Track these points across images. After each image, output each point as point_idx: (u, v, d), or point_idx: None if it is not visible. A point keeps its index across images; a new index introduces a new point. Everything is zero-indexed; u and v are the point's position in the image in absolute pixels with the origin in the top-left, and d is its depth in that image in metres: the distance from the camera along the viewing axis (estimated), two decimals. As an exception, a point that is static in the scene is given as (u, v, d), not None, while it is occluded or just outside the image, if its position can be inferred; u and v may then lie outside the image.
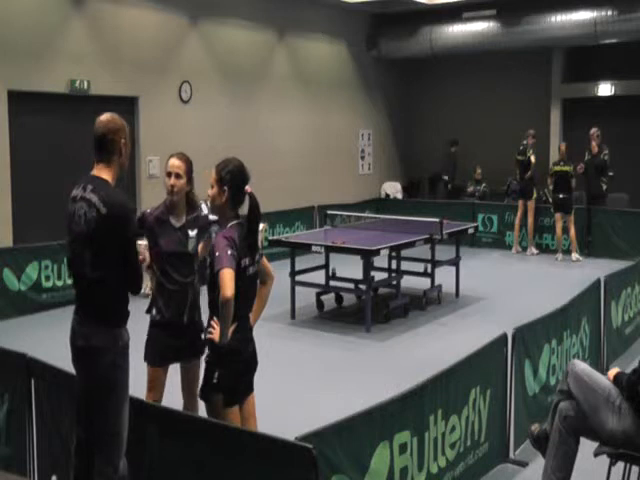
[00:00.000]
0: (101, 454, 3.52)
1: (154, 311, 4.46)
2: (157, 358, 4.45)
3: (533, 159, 12.72)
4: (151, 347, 4.45)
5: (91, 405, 3.51)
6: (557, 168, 12.39)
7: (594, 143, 12.65)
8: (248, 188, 3.99)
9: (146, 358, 4.47)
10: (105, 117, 3.67)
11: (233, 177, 3.94)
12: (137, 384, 4.44)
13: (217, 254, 3.79)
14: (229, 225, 3.95)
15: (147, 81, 11.89)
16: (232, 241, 3.83)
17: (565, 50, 15.82)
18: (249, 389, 4.11)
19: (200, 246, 4.58)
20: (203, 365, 4.00)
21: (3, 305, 8.72)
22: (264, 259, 4.18)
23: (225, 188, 3.93)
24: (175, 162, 4.47)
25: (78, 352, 3.55)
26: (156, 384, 4.46)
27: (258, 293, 4.14)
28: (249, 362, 4.06)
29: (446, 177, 15.53)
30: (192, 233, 4.50)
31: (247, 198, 4.00)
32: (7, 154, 10.14)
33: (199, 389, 4.00)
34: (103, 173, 3.57)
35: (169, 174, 4.44)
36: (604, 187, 12.79)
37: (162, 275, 4.41)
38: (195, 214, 4.56)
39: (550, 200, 13.48)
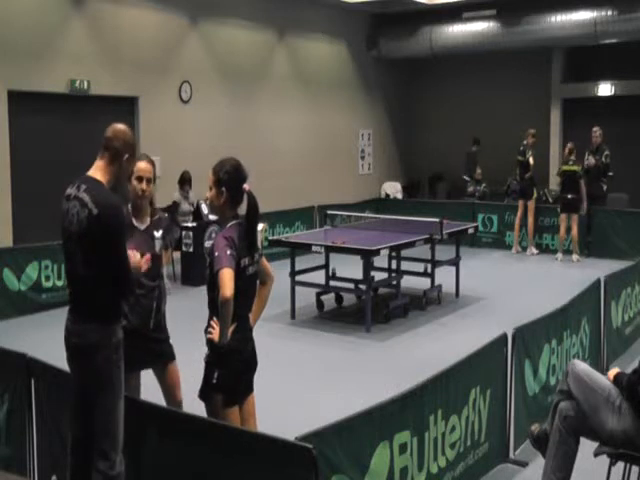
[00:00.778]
0: (98, 451, 3.53)
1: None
2: (126, 364, 4.06)
3: (532, 161, 12.64)
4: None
5: (88, 402, 3.52)
6: (565, 167, 12.27)
7: (593, 141, 12.63)
8: (246, 186, 3.99)
9: None
10: (122, 126, 3.69)
11: (230, 177, 3.94)
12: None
13: (216, 254, 3.80)
14: (229, 225, 3.96)
15: (147, 81, 11.90)
16: (231, 241, 3.84)
17: (565, 50, 15.84)
18: (249, 389, 4.11)
19: (164, 255, 4.51)
20: (203, 365, 3.99)
21: (3, 305, 8.72)
22: (263, 259, 4.18)
23: (223, 189, 3.93)
24: (147, 166, 4.34)
25: (73, 350, 3.57)
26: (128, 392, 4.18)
27: (258, 293, 4.14)
28: (249, 362, 4.06)
29: (467, 177, 15.09)
30: (157, 234, 4.41)
31: (245, 197, 3.99)
32: (7, 154, 10.16)
33: (199, 389, 3.99)
34: (98, 175, 3.59)
35: (140, 179, 4.30)
36: (604, 187, 12.75)
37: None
38: (157, 215, 4.49)
39: (550, 200, 13.45)
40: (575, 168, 12.11)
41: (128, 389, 4.11)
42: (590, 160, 12.44)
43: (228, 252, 3.78)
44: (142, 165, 4.31)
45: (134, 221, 4.34)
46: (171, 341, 4.51)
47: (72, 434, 3.62)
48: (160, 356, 4.42)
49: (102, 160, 3.62)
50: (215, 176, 3.95)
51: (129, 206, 4.37)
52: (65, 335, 3.60)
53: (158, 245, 4.41)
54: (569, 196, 12.14)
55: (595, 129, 12.65)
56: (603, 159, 12.49)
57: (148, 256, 4.08)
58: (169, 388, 4.46)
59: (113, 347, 3.53)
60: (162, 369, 4.46)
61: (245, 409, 4.06)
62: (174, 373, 4.47)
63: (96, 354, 3.48)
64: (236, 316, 3.85)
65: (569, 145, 12.40)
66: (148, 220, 4.41)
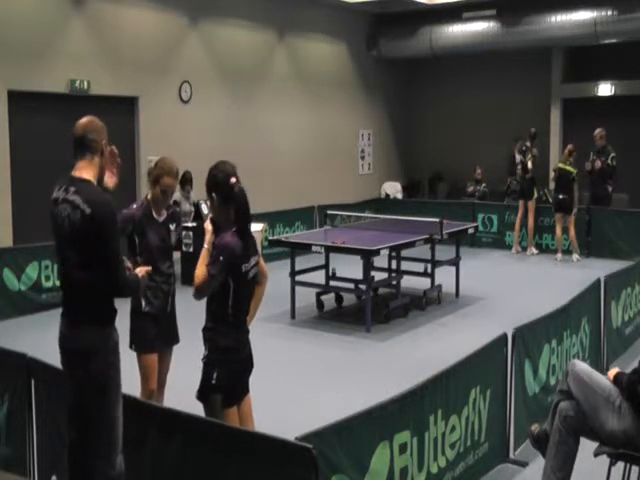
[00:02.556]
0: (98, 452, 3.51)
1: (144, 303, 4.65)
2: (152, 344, 4.67)
3: (530, 165, 12.59)
4: (145, 334, 4.66)
5: (86, 405, 3.49)
6: (560, 165, 12.21)
7: (597, 143, 12.59)
8: (233, 179, 3.93)
9: (140, 347, 4.66)
10: (85, 119, 3.63)
11: (216, 179, 3.94)
12: (133, 382, 4.44)
13: (214, 253, 3.82)
14: (232, 230, 3.93)
15: (147, 81, 11.89)
16: (232, 250, 3.83)
17: (565, 50, 15.83)
18: (245, 390, 4.12)
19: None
20: (201, 366, 3.99)
21: (3, 305, 8.72)
22: (260, 259, 4.18)
23: (213, 195, 3.94)
24: (172, 183, 4.76)
25: (69, 355, 3.53)
26: (152, 371, 4.66)
27: (254, 293, 4.14)
28: (246, 363, 4.07)
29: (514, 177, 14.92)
30: (172, 226, 4.87)
31: (235, 194, 3.91)
32: (7, 154, 10.16)
33: (197, 390, 3.99)
34: (84, 173, 3.51)
35: (165, 192, 4.72)
36: (610, 189, 12.70)
37: (152, 269, 4.39)
38: (171, 210, 4.91)
39: (550, 200, 13.42)
40: (570, 169, 12.07)
41: (153, 372, 4.66)
42: (597, 163, 12.41)
43: (221, 258, 3.80)
44: (169, 181, 4.71)
45: (154, 214, 4.74)
46: None
47: (69, 436, 3.60)
48: (172, 338, 4.83)
49: (84, 159, 3.53)
50: (206, 187, 3.97)
51: (148, 197, 4.77)
52: (60, 338, 3.56)
53: (174, 237, 4.87)
54: (560, 196, 12.14)
55: (597, 131, 12.61)
56: (609, 161, 12.44)
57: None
58: (163, 371, 4.81)
59: (110, 349, 3.51)
60: (166, 351, 4.82)
61: (242, 410, 4.06)
62: (171, 356, 4.88)
63: (93, 358, 3.45)
64: (235, 319, 3.91)
65: (569, 147, 12.34)
66: (165, 213, 4.81)
